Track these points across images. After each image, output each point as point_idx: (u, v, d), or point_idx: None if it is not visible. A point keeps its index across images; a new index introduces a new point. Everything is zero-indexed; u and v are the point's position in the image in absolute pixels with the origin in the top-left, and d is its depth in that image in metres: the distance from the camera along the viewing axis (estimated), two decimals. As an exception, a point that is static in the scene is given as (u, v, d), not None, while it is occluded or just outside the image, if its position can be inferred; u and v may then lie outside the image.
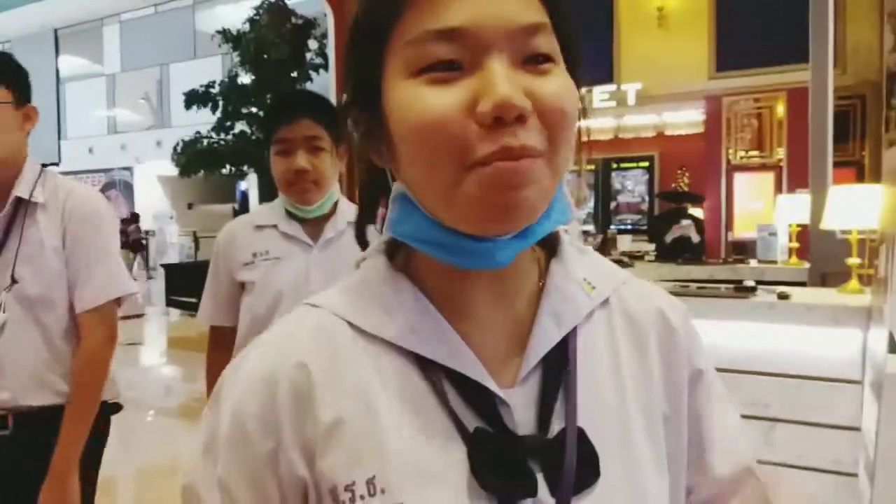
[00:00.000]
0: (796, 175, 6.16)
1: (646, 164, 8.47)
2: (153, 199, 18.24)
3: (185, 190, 17.71)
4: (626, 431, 0.51)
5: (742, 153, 7.28)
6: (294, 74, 12.09)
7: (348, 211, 1.60)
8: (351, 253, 0.56)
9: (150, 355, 7.77)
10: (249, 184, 15.47)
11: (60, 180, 1.53)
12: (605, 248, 4.81)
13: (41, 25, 19.32)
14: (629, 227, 8.31)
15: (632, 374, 0.53)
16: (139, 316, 9.79)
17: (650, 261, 4.91)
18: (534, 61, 0.45)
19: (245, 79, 12.20)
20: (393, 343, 0.49)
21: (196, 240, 16.04)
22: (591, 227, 8.08)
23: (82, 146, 19.36)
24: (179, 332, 8.87)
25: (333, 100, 2.78)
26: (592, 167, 8.41)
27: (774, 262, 4.14)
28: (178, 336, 8.56)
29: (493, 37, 0.43)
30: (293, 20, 12.06)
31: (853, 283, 2.55)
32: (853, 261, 2.56)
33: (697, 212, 6.35)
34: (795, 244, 3.90)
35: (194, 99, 12.09)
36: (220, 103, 12.14)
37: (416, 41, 0.44)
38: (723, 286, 2.71)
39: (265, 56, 11.75)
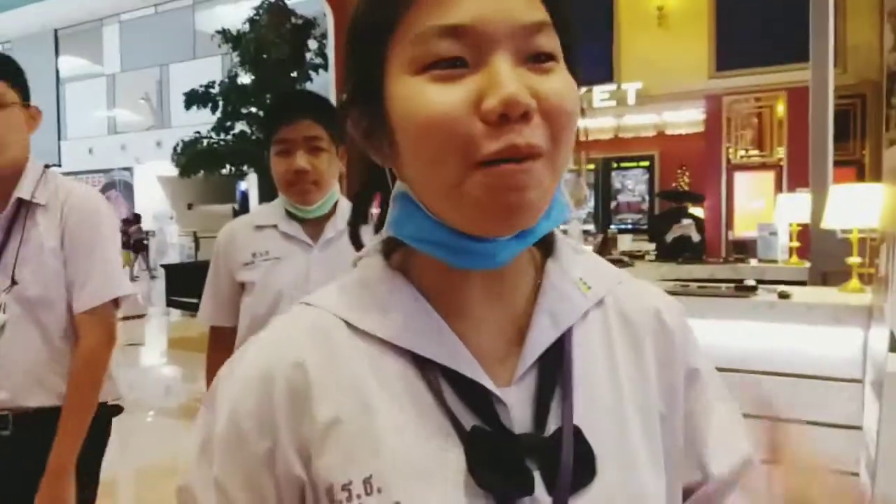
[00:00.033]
0: (797, 174, 6.15)
1: (646, 163, 8.47)
2: (153, 200, 18.24)
3: (186, 190, 17.71)
4: (623, 430, 0.51)
5: (742, 152, 7.28)
6: (294, 74, 12.09)
7: (348, 211, 1.59)
8: (351, 253, 0.56)
9: (151, 356, 7.78)
10: (249, 184, 15.47)
11: (61, 181, 1.53)
12: (605, 247, 4.81)
13: (41, 26, 19.32)
14: (629, 226, 8.31)
15: (627, 373, 0.53)
16: (141, 316, 9.80)
17: (650, 260, 4.91)
18: (536, 60, 0.45)
19: (245, 79, 12.20)
20: (390, 342, 0.49)
21: (196, 240, 16.04)
22: (591, 227, 8.08)
23: (82, 147, 19.36)
24: (180, 332, 8.87)
25: (333, 100, 2.78)
26: (592, 167, 8.40)
27: (775, 261, 4.14)
28: (178, 336, 8.56)
29: (498, 34, 0.44)
30: (293, 20, 12.06)
31: (854, 282, 2.55)
32: (854, 260, 2.56)
33: (698, 211, 6.35)
34: (796, 243, 3.90)
35: (194, 99, 12.09)
36: (220, 103, 12.14)
37: (421, 38, 0.44)
38: (723, 285, 2.71)
39: (265, 56, 11.74)
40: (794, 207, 3.89)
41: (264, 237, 1.57)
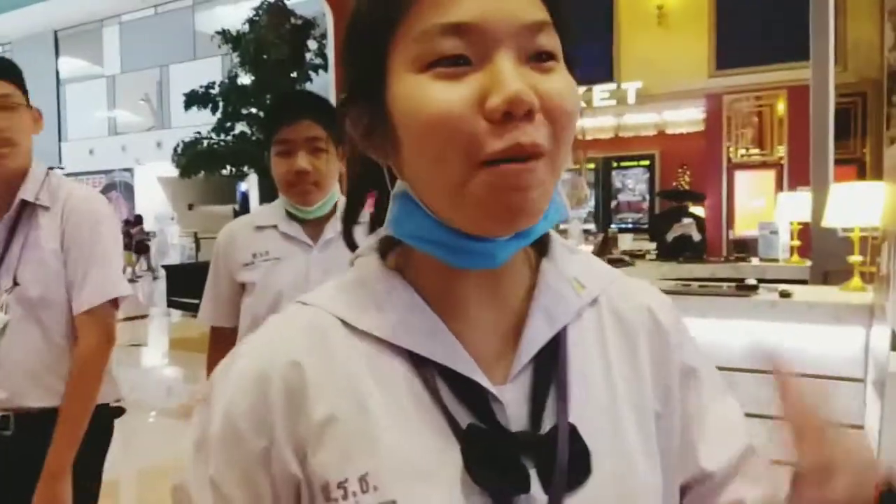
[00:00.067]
0: (797, 173, 6.15)
1: (646, 162, 8.47)
2: (154, 201, 18.26)
3: (186, 191, 17.72)
4: (618, 429, 0.51)
5: (743, 151, 7.28)
6: (294, 75, 12.10)
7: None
8: (350, 253, 0.56)
9: (152, 356, 7.78)
10: (250, 184, 15.48)
11: (63, 183, 1.54)
12: (605, 246, 4.80)
13: (41, 27, 19.34)
14: (630, 225, 8.30)
15: (622, 372, 0.53)
16: (143, 317, 9.81)
17: (651, 259, 4.92)
18: (538, 59, 0.45)
19: (245, 79, 12.21)
20: (386, 341, 0.49)
21: (197, 241, 16.05)
22: (591, 226, 8.07)
23: (83, 148, 19.38)
24: (181, 333, 8.87)
25: (333, 100, 2.78)
26: (593, 166, 8.40)
27: (776, 260, 4.14)
28: (179, 337, 8.56)
29: (501, 33, 0.44)
30: (292, 20, 12.07)
31: (855, 280, 2.55)
32: (855, 258, 2.56)
33: (698, 210, 6.35)
34: (797, 242, 3.90)
35: (194, 100, 12.10)
36: (220, 104, 12.15)
37: (425, 35, 0.44)
38: (724, 285, 2.71)
39: (265, 57, 11.75)
40: (795, 206, 3.89)
41: (264, 238, 1.57)
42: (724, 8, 7.25)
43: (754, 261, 4.37)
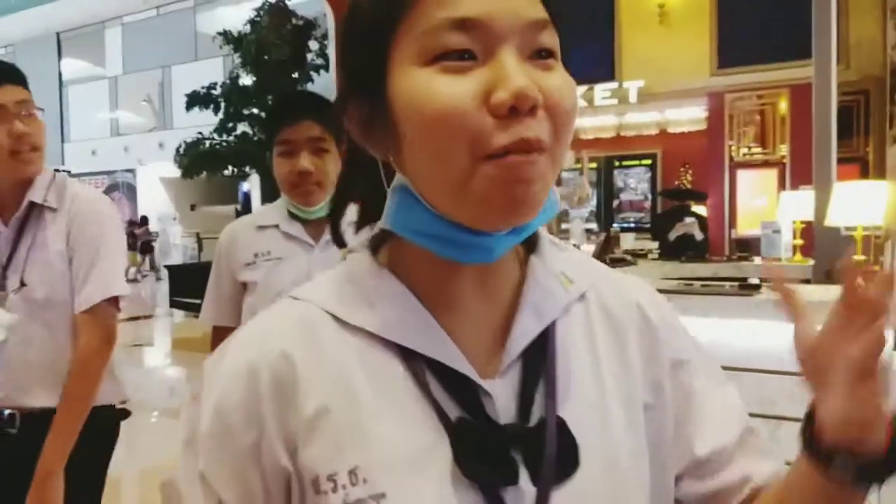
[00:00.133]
0: (800, 172, 6.13)
1: (648, 161, 8.47)
2: (156, 201, 18.29)
3: (188, 191, 17.74)
4: (606, 423, 0.51)
5: (745, 150, 7.26)
6: (295, 75, 12.11)
7: (349, 211, 1.60)
8: None
9: (155, 356, 7.79)
10: (252, 185, 15.50)
11: (69, 184, 1.56)
12: (608, 246, 4.79)
13: (44, 29, 19.37)
14: (632, 225, 8.30)
15: (610, 368, 0.53)
16: (148, 317, 9.82)
17: (653, 259, 4.91)
18: (539, 56, 0.46)
19: (246, 80, 12.22)
20: (377, 335, 0.49)
21: (199, 241, 16.06)
22: (593, 226, 8.04)
23: (85, 149, 19.42)
24: (183, 333, 8.87)
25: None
26: (595, 165, 8.39)
27: (779, 259, 4.13)
28: (181, 337, 8.57)
29: (505, 29, 0.44)
30: (294, 21, 12.07)
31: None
32: (858, 257, 2.56)
33: (701, 209, 6.35)
34: (800, 241, 3.89)
35: (196, 100, 12.12)
36: (222, 105, 12.16)
37: (430, 30, 0.44)
38: (727, 284, 2.70)
39: (266, 57, 11.76)
40: (798, 205, 3.89)
41: (266, 237, 1.57)
42: (725, 6, 7.23)
43: (757, 260, 4.36)
